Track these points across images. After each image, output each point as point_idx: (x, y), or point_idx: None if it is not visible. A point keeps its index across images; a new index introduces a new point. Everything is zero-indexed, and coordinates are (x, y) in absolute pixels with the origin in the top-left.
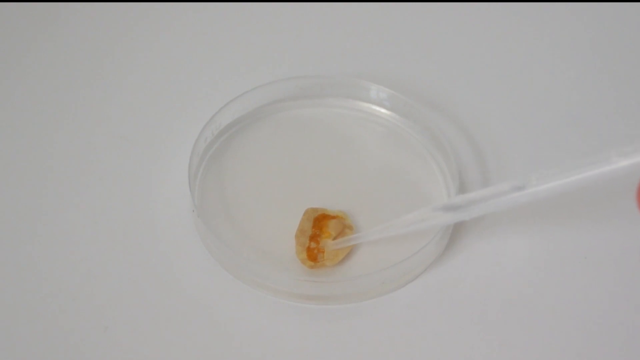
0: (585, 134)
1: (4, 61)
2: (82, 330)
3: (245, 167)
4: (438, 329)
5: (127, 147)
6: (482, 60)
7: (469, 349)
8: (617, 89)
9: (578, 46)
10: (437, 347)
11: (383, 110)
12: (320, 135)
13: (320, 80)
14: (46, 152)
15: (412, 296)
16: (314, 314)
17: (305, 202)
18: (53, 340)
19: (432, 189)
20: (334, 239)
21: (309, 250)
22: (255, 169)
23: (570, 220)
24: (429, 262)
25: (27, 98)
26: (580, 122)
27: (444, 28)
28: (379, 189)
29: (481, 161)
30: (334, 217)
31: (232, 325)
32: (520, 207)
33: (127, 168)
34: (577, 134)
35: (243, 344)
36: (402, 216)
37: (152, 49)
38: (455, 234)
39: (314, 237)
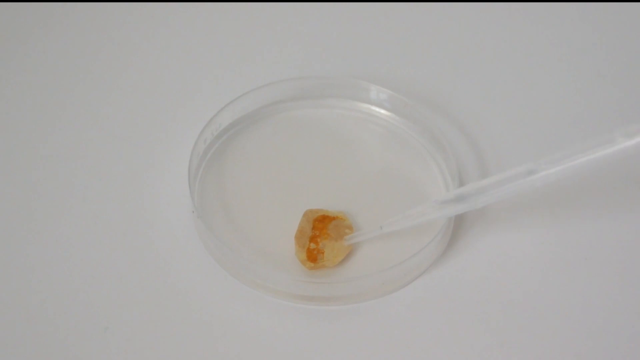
0: (586, 133)
1: (3, 61)
2: (82, 330)
3: (245, 168)
4: (438, 330)
5: (127, 148)
6: (482, 60)
7: (469, 349)
8: (618, 89)
9: (578, 46)
10: (438, 347)
11: (383, 111)
12: (320, 136)
13: (321, 81)
14: (46, 152)
15: (412, 296)
16: (313, 315)
17: (305, 203)
18: (53, 340)
19: (432, 189)
20: (335, 239)
21: (308, 251)
22: (255, 170)
23: (571, 221)
24: (429, 262)
25: (26, 98)
26: (580, 121)
27: (444, 28)
28: (379, 190)
29: (481, 161)
30: (333, 218)
31: (232, 326)
32: (529, 194)
33: (127, 168)
34: (577, 133)
35: (243, 344)
36: (411, 209)
37: (151, 49)
38: (455, 234)
39: (313, 238)
